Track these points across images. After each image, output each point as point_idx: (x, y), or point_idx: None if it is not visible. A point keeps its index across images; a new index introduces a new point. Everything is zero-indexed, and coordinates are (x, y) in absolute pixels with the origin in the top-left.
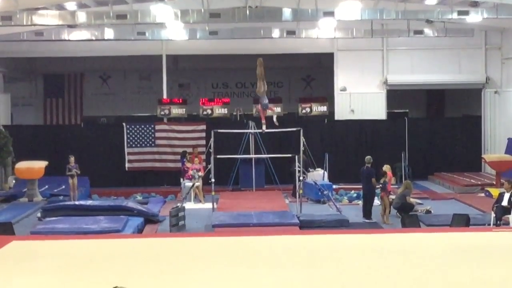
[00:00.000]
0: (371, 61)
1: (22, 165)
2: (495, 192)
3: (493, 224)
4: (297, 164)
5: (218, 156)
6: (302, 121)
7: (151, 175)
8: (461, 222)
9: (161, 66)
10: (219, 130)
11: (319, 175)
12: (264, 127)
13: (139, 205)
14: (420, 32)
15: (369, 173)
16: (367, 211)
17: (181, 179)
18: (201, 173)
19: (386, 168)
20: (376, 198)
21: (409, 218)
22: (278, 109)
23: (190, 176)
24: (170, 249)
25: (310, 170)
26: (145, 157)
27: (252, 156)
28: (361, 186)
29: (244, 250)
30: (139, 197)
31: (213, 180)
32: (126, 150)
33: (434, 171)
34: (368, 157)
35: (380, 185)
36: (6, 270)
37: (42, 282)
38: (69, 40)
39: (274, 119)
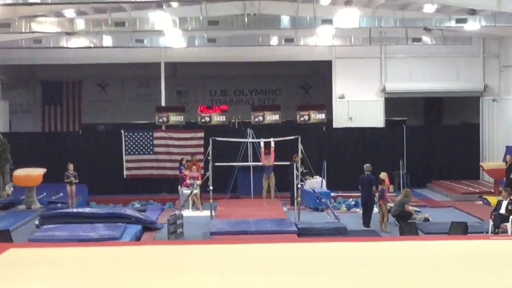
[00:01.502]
0: (369, 68)
1: (20, 172)
2: (493, 200)
3: (491, 232)
4: (295, 171)
5: (216, 164)
6: (300, 129)
7: (149, 183)
8: (459, 230)
9: (159, 74)
10: (217, 138)
11: (317, 183)
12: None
13: (137, 213)
14: (418, 40)
15: (371, 181)
16: (367, 219)
17: (179, 187)
18: (199, 182)
19: (384, 175)
20: (374, 206)
21: (407, 226)
22: (276, 117)
23: (188, 184)
24: (168, 257)
25: (305, 172)
26: (143, 165)
27: (250, 163)
28: (359, 194)
29: (242, 257)
30: (137, 205)
31: (211, 187)
32: (124, 157)
33: (432, 179)
34: (367, 165)
35: (378, 193)
36: (4, 278)
37: None
38: (67, 48)
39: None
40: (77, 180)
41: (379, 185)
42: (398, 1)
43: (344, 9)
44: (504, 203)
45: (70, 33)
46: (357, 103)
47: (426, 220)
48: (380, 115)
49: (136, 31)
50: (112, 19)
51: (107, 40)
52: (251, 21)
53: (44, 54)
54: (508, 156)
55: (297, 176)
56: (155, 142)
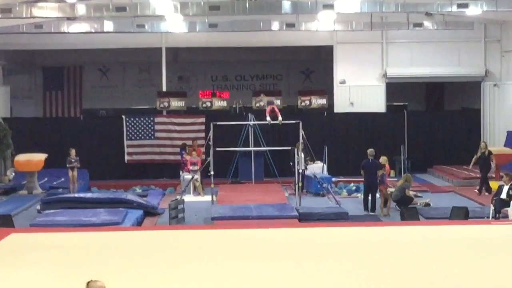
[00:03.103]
0: (370, 54)
1: (21, 157)
2: (494, 185)
3: (492, 217)
4: (296, 156)
5: (217, 149)
6: (301, 114)
7: (150, 168)
8: (460, 215)
9: (160, 59)
10: (218, 123)
11: (318, 168)
12: (268, 118)
13: (139, 198)
14: (420, 25)
15: (376, 165)
16: (372, 204)
17: (180, 172)
18: (197, 167)
19: (384, 160)
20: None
21: (408, 211)
22: (277, 102)
23: (190, 169)
24: (169, 242)
25: (308, 160)
26: (144, 150)
27: (252, 149)
28: (360, 179)
29: (243, 242)
30: (138, 190)
31: (212, 172)
32: (126, 142)
33: (433, 164)
34: (371, 150)
35: (379, 178)
36: (5, 263)
37: (42, 275)
38: (68, 33)
39: (280, 118)
40: (79, 165)
41: (380, 170)
42: None
43: None
44: (505, 188)
45: (71, 18)
46: (358, 88)
47: (427, 205)
48: (381, 100)
49: (137, 16)
50: (113, 4)
51: (108, 25)
52: (252, 6)
53: (45, 39)
54: (482, 143)
55: (298, 162)
56: (156, 127)
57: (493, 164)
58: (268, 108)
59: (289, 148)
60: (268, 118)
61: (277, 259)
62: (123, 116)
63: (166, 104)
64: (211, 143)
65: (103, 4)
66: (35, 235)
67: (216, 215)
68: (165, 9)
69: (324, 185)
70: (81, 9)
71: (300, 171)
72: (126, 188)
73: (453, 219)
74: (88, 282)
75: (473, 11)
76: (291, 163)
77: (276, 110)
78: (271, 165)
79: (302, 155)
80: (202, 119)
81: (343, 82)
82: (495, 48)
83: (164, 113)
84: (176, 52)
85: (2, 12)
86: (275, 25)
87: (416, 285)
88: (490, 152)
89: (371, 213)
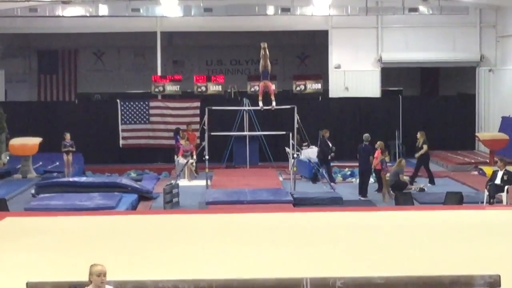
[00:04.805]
0: (365, 38)
1: (16, 141)
2: (488, 170)
3: (486, 202)
4: (291, 141)
5: (212, 133)
6: (296, 99)
7: (145, 152)
8: (455, 200)
9: (155, 43)
10: (213, 107)
11: (313, 153)
12: (260, 103)
13: (133, 182)
14: (415, 9)
15: (368, 150)
16: (363, 189)
17: (175, 156)
18: (192, 160)
19: (381, 145)
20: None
21: (402, 196)
22: (272, 87)
23: (184, 155)
24: (163, 226)
25: (304, 147)
26: (139, 134)
27: (246, 133)
28: (356, 164)
29: (237, 227)
30: (133, 174)
31: (207, 157)
32: (120, 127)
33: (428, 149)
34: (366, 135)
35: (377, 163)
36: (0, 246)
37: (36, 259)
38: (63, 16)
39: (273, 104)
40: (74, 149)
41: (381, 155)
42: None
43: None
44: (500, 174)
45: (66, 2)
46: (353, 73)
47: (422, 190)
48: (376, 85)
49: (132, 0)
50: None
51: (103, 9)
52: None
53: (40, 23)
54: (419, 133)
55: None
56: (151, 111)
57: (423, 149)
58: (260, 87)
59: (284, 133)
60: (260, 103)
61: (271, 244)
62: (118, 100)
63: (161, 88)
64: (205, 127)
65: None
66: (30, 219)
67: (211, 200)
68: None
69: (319, 170)
70: None
71: (295, 155)
72: (121, 172)
73: (447, 204)
74: (91, 266)
75: None
76: (286, 148)
77: (270, 87)
78: (266, 150)
79: (330, 145)
80: (197, 104)
81: (338, 67)
82: (490, 33)
83: (159, 97)
84: (171, 36)
85: None
86: (270, 10)
87: (410, 270)
88: (424, 142)
89: (363, 198)
